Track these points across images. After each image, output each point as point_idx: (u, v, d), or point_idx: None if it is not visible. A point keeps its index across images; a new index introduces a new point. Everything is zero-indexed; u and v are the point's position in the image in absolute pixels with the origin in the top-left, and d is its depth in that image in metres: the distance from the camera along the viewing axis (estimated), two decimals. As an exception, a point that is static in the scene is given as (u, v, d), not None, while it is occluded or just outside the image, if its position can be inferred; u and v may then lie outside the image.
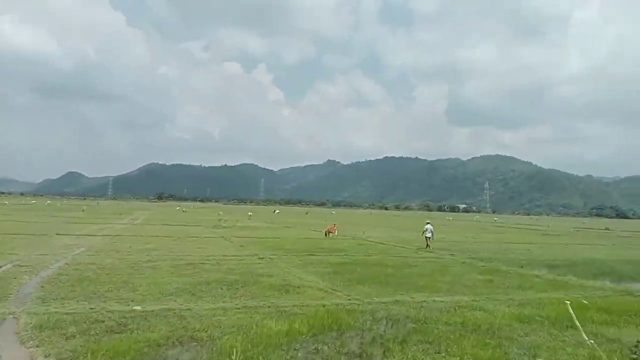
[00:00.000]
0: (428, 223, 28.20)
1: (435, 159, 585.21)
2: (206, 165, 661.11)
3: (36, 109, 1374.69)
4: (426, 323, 9.28)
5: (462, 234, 47.13)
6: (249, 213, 73.66)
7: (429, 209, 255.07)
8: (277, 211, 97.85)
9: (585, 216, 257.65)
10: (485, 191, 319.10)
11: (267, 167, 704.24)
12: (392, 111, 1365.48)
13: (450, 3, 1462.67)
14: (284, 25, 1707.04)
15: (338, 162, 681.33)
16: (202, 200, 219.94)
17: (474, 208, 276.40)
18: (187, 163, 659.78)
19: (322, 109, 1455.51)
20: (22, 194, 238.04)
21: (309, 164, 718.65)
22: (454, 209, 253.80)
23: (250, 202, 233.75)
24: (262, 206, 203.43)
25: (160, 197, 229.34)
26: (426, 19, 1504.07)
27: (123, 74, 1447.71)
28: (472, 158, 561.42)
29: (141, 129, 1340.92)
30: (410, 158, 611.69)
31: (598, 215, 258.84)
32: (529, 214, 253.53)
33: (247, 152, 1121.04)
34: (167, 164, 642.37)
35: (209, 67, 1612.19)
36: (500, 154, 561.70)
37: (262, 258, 19.42)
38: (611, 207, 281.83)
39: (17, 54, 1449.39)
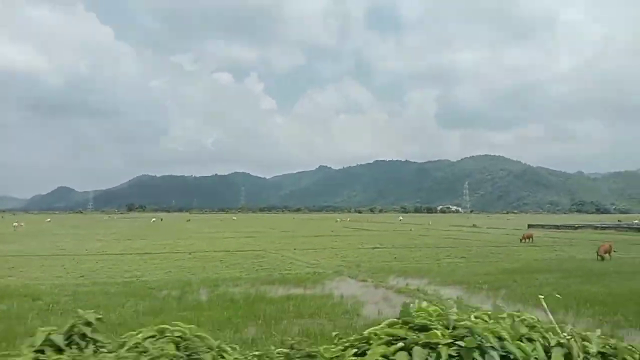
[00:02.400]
0: None
1: (425, 161, 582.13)
2: (197, 176, 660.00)
3: (27, 125, 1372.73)
4: None
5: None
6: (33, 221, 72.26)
7: (405, 211, 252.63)
8: (153, 220, 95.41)
9: (565, 212, 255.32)
10: (465, 191, 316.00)
11: (259, 175, 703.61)
12: (383, 116, 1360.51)
13: (436, 8, 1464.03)
14: (273, 34, 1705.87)
15: (330, 167, 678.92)
16: (167, 211, 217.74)
17: (453, 209, 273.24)
18: (178, 174, 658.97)
19: (313, 115, 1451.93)
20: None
21: (301, 170, 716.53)
22: (430, 210, 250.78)
23: (222, 211, 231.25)
24: (231, 214, 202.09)
25: (130, 209, 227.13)
26: (413, 24, 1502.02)
27: (114, 89, 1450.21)
28: (462, 159, 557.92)
29: (133, 141, 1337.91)
30: (401, 161, 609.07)
31: (579, 211, 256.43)
32: (507, 213, 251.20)
33: (240, 161, 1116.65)
34: (157, 175, 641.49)
35: (200, 78, 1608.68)
36: (489, 154, 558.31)
37: None
38: (592, 203, 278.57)
39: (8, 71, 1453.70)
